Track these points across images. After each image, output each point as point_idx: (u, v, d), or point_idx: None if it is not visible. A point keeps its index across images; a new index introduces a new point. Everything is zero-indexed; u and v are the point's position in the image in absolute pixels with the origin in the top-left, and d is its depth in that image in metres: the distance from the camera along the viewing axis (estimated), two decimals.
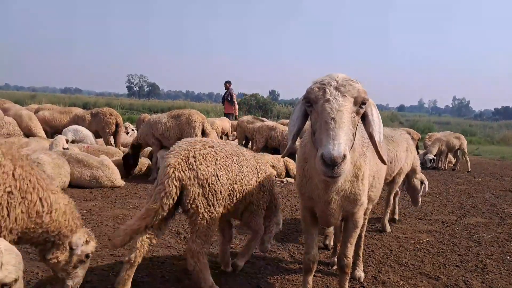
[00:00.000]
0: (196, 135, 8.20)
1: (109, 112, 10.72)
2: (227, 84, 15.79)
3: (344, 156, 2.07)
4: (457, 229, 5.85)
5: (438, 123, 45.86)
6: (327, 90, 2.28)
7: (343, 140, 2.12)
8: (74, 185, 7.17)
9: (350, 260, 3.10)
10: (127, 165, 8.48)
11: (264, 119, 13.78)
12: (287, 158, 9.65)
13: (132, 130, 14.12)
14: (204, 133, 8.38)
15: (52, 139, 8.66)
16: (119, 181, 7.50)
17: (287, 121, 14.68)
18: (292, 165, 9.58)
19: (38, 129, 10.50)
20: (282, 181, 9.01)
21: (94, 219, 5.31)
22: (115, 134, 10.78)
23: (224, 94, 16.08)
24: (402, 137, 4.99)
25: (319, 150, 2.16)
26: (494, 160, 16.24)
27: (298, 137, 2.72)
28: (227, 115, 15.99)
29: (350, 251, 3.09)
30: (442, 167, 13.23)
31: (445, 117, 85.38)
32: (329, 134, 2.14)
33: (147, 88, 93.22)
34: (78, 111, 11.62)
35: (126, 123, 14.37)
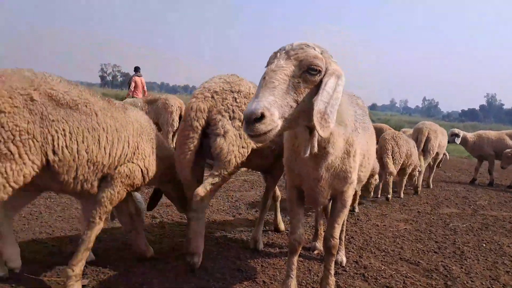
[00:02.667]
0: (173, 120, 7.96)
1: None
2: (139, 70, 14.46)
3: (262, 115, 1.93)
4: (433, 219, 5.91)
5: (409, 122, 46.87)
6: (278, 53, 2.17)
7: (266, 99, 1.97)
8: None
9: (337, 241, 2.98)
10: None
11: None
12: None
13: None
14: (181, 119, 8.14)
15: None
16: None
17: None
18: None
19: None
20: None
21: (63, 201, 5.05)
22: None
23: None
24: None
25: None
26: (461, 158, 16.66)
27: None
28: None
29: (337, 232, 2.98)
30: None
31: (415, 116, 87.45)
32: (256, 93, 2.03)
33: (121, 78, 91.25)
34: None
35: None
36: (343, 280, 3.45)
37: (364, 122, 3.03)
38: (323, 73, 2.15)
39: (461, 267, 3.98)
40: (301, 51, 2.12)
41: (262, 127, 1.95)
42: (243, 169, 8.61)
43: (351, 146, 2.62)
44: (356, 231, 4.95)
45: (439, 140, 8.59)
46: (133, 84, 13.08)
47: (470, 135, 10.38)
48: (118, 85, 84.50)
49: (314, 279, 3.44)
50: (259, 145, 3.38)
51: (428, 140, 8.29)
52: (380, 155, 6.90)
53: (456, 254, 4.36)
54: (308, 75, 2.11)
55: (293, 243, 2.98)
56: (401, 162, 7.05)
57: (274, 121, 1.97)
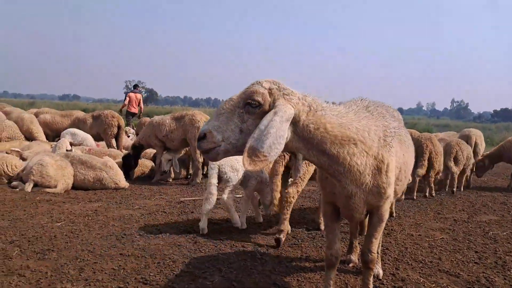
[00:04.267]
0: None
1: (110, 114, 10.61)
2: (138, 87, 17.07)
3: (205, 135, 2.37)
4: (471, 227, 5.74)
5: (437, 125, 45.65)
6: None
7: (211, 124, 2.39)
8: (77, 187, 7.05)
9: (375, 255, 2.98)
10: (126, 166, 8.33)
11: None
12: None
13: (133, 134, 14.00)
14: None
15: (54, 142, 8.55)
16: (123, 182, 7.37)
17: None
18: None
19: (39, 132, 10.41)
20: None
21: (100, 219, 5.18)
22: (117, 136, 10.67)
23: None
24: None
25: None
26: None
27: None
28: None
29: (375, 246, 2.97)
30: None
31: (443, 119, 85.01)
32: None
33: (145, 94, 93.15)
34: (79, 114, 11.52)
35: (126, 127, 14.27)
36: None
37: (400, 135, 3.03)
38: (266, 108, 2.40)
39: (504, 279, 3.85)
40: (250, 86, 2.45)
41: (203, 145, 2.40)
42: None
43: (382, 162, 2.65)
44: (390, 242, 4.87)
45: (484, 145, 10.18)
46: (127, 99, 15.26)
47: None
48: (143, 100, 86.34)
49: None
50: None
51: (475, 145, 9.65)
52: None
53: (498, 265, 4.22)
54: (249, 106, 2.39)
55: (330, 258, 2.99)
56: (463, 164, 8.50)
57: (215, 142, 2.37)
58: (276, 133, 2.28)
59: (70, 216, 5.25)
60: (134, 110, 15.45)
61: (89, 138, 10.00)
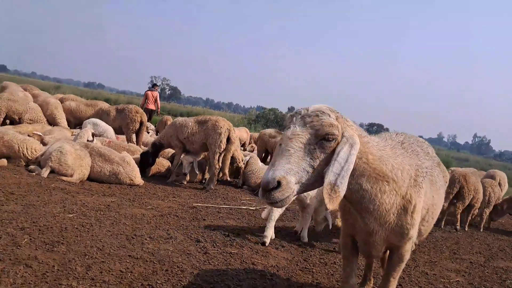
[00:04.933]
0: (221, 142, 8.01)
1: (135, 109, 10.66)
2: (156, 86, 17.33)
3: (279, 183, 2.04)
4: (487, 272, 5.52)
5: (457, 158, 44.88)
6: (294, 118, 2.27)
7: (282, 167, 2.08)
8: (93, 178, 7.05)
9: None
10: (144, 163, 8.32)
11: None
12: None
13: (153, 130, 14.05)
14: (229, 141, 8.19)
15: (76, 129, 8.60)
16: (139, 179, 7.35)
17: None
18: None
19: (62, 118, 10.51)
20: None
21: (112, 216, 5.13)
22: (138, 132, 10.70)
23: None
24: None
25: None
26: None
27: None
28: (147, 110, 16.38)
29: (393, 286, 2.84)
30: None
31: (464, 153, 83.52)
32: (273, 160, 2.16)
33: (169, 92, 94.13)
34: (104, 105, 11.60)
35: (147, 123, 14.36)
36: None
37: (432, 175, 2.89)
38: (338, 140, 2.22)
39: None
40: (316, 118, 2.20)
41: (278, 195, 2.07)
42: None
43: (409, 203, 2.53)
44: (404, 278, 4.70)
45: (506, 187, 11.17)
46: (144, 98, 16.05)
47: None
48: (166, 98, 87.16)
49: None
50: None
51: (499, 185, 10.06)
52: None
53: None
54: (324, 141, 2.19)
55: None
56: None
57: (291, 188, 2.08)
58: (351, 169, 2.19)
59: (82, 208, 5.23)
60: (152, 106, 15.97)
61: (110, 130, 10.05)
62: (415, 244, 6.35)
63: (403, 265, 2.84)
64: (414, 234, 2.66)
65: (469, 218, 8.78)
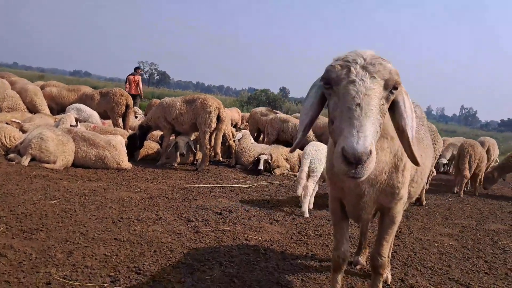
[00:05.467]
0: (211, 121, 7.81)
1: (119, 92, 10.38)
2: (138, 70, 16.52)
3: (370, 152, 1.71)
4: (479, 235, 5.51)
5: (445, 130, 45.45)
6: (352, 68, 1.89)
7: (370, 132, 1.75)
8: (78, 164, 6.86)
9: (385, 259, 2.73)
10: (131, 146, 8.12)
11: (278, 111, 13.33)
12: (301, 152, 9.29)
13: (141, 115, 13.79)
14: (219, 119, 7.99)
15: (59, 115, 8.34)
16: (126, 163, 7.17)
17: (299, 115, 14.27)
18: None
19: (43, 105, 10.20)
20: (295, 175, 8.66)
21: (98, 200, 4.97)
22: (125, 116, 10.45)
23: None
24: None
25: (339, 143, 1.78)
26: None
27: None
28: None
29: (386, 250, 2.72)
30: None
31: (452, 125, 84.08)
32: (353, 123, 1.76)
33: (157, 77, 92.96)
34: (87, 89, 11.25)
35: (135, 107, 14.08)
36: None
37: (419, 133, 2.78)
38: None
39: None
40: (381, 67, 1.90)
41: (371, 166, 1.74)
42: (278, 173, 8.49)
43: (400, 160, 2.40)
44: (399, 245, 4.64)
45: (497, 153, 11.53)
46: (126, 83, 15.52)
47: None
48: (154, 83, 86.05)
49: None
50: None
51: (488, 151, 10.43)
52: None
53: (508, 277, 4.00)
54: (390, 93, 1.95)
55: (337, 260, 2.76)
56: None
57: (375, 154, 1.78)
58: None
59: (65, 194, 5.04)
60: (133, 91, 15.32)
61: (95, 115, 9.78)
62: (424, 200, 6.83)
63: (395, 228, 2.72)
64: (404, 194, 2.54)
65: (477, 185, 9.41)
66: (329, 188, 2.77)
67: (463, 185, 8.81)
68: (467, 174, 8.75)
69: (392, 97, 1.97)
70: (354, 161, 1.70)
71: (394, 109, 2.08)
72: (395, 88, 1.94)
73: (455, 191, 8.95)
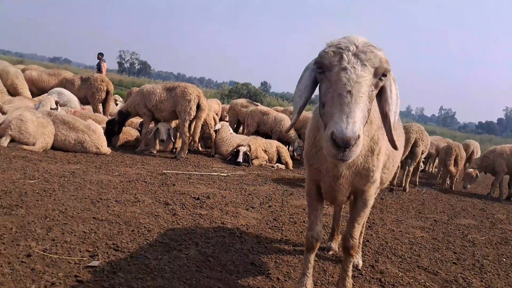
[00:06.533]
0: (190, 109, 7.84)
1: (100, 78, 10.31)
2: (99, 55, 16.52)
3: (358, 136, 1.79)
4: (450, 229, 5.73)
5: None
6: (344, 56, 1.94)
7: (359, 118, 1.82)
8: (57, 147, 6.82)
9: (356, 241, 2.85)
10: (110, 131, 8.06)
11: (258, 104, 13.41)
12: (280, 144, 9.42)
13: (121, 102, 13.67)
14: (199, 108, 8.02)
15: (39, 97, 8.23)
16: (105, 148, 7.16)
17: (280, 108, 14.38)
18: (285, 151, 9.37)
19: (24, 88, 10.04)
20: (273, 167, 8.79)
21: (77, 181, 4.98)
22: (105, 102, 10.38)
23: (96, 65, 16.80)
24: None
25: (329, 127, 1.85)
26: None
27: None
28: None
29: (357, 232, 2.85)
30: (430, 170, 13.20)
31: (431, 125, 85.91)
32: (343, 109, 1.83)
33: (138, 66, 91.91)
34: (68, 74, 11.10)
35: (115, 95, 13.93)
36: (359, 284, 3.32)
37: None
38: None
39: (481, 281, 3.81)
40: (372, 55, 1.95)
41: (357, 149, 1.83)
42: (257, 164, 8.60)
43: (376, 144, 2.51)
44: (371, 235, 4.80)
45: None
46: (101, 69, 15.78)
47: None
48: (135, 72, 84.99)
49: (330, 280, 3.32)
50: None
51: (472, 153, 11.84)
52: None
53: (475, 267, 4.19)
54: (380, 81, 2.02)
55: (310, 240, 2.87)
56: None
57: (362, 139, 1.87)
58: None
59: (45, 174, 5.04)
60: None
61: (75, 100, 9.69)
62: (379, 203, 6.72)
63: (367, 211, 2.85)
64: (377, 177, 2.65)
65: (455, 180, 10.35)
66: (307, 170, 2.85)
67: (454, 180, 10.05)
68: (453, 169, 9.77)
69: (381, 84, 2.04)
70: (342, 145, 1.78)
71: (381, 94, 2.15)
72: (384, 75, 2.02)
73: (444, 187, 10.03)
